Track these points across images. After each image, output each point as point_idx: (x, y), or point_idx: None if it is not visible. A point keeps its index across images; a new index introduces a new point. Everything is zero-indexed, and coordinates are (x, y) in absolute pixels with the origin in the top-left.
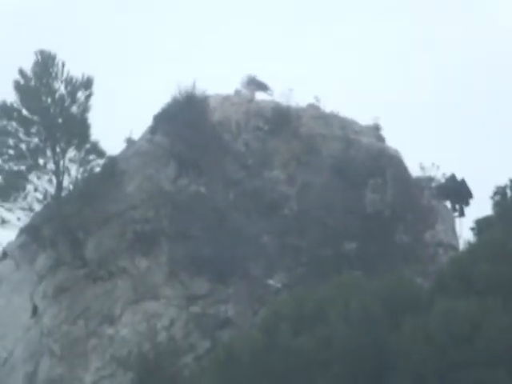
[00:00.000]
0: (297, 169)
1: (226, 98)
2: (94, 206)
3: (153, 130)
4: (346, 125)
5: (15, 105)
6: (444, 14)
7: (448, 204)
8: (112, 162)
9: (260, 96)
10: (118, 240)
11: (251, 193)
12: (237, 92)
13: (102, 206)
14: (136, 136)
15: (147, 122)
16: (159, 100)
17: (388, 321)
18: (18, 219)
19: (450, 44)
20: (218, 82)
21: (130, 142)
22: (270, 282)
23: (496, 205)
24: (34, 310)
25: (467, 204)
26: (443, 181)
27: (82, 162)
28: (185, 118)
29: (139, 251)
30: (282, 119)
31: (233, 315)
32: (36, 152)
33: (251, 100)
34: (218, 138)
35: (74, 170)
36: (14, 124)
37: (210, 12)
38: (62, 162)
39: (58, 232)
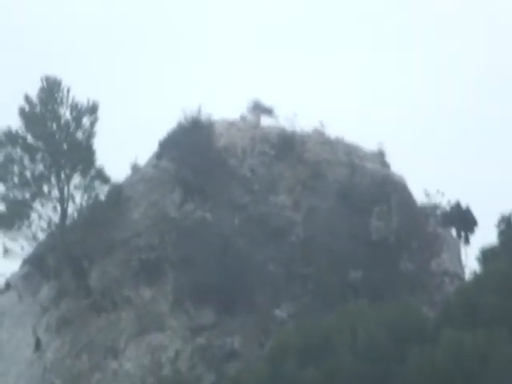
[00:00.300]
0: (302, 194)
1: (232, 124)
2: (99, 233)
3: (158, 156)
4: (350, 150)
5: (20, 131)
6: (443, 40)
7: (453, 231)
8: (117, 189)
9: (265, 121)
10: (123, 268)
11: (257, 218)
12: (242, 117)
13: (106, 233)
14: (141, 162)
15: (153, 147)
16: (165, 125)
17: (394, 351)
18: (22, 248)
19: (451, 70)
20: (224, 107)
21: (135, 168)
22: (277, 312)
23: (501, 234)
24: (37, 344)
25: (472, 231)
26: (448, 208)
27: (87, 189)
28: (190, 144)
29: (144, 280)
30: (287, 144)
31: (239, 347)
32: (40, 179)
33: (257, 125)
34: (224, 164)
35: (78, 196)
36: (18, 151)
37: (215, 38)
38: (66, 189)
39: (61, 261)
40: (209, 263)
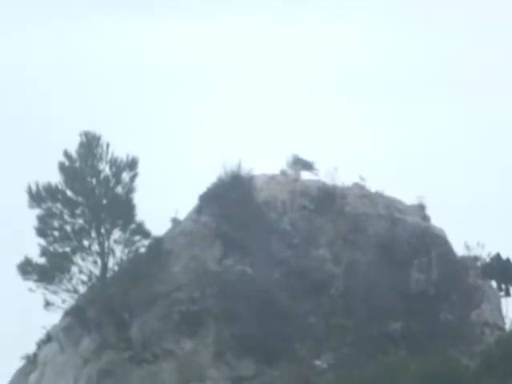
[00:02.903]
0: (343, 247)
1: (272, 178)
2: (140, 286)
3: (198, 210)
4: (390, 204)
5: (60, 186)
6: (487, 90)
7: (493, 284)
8: (157, 243)
9: (305, 176)
10: (164, 321)
11: (297, 272)
12: (282, 172)
13: (147, 286)
14: (181, 216)
15: (193, 201)
16: (205, 179)
17: None
18: (63, 301)
19: (495, 121)
20: (264, 162)
21: (175, 221)
22: (317, 362)
23: None
24: None
25: None
26: (488, 260)
27: (127, 243)
28: (230, 198)
29: (185, 332)
30: (327, 198)
31: None
32: (81, 233)
33: (297, 179)
34: (264, 218)
35: (118, 251)
36: (58, 205)
37: (256, 92)
38: (106, 243)
39: (102, 314)
40: (249, 316)
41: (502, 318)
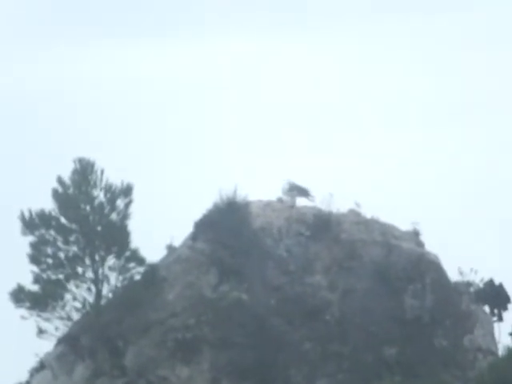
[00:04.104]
0: (338, 274)
1: (268, 204)
2: (134, 314)
3: (194, 237)
4: (386, 230)
5: (53, 213)
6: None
7: (486, 309)
8: (152, 270)
9: (301, 202)
10: (159, 348)
11: (293, 299)
12: (278, 198)
13: (142, 314)
14: (177, 243)
15: (188, 228)
16: (200, 206)
17: None
18: (56, 329)
19: (483, 150)
20: (259, 188)
21: (170, 248)
22: None
23: None
24: None
25: (505, 309)
26: (481, 285)
27: (122, 270)
28: (226, 225)
29: (180, 359)
30: (323, 225)
31: None
32: (74, 260)
33: (292, 206)
34: (260, 244)
35: (113, 278)
36: (52, 232)
37: (251, 119)
38: (101, 271)
39: (96, 341)
40: (245, 342)
41: (495, 344)
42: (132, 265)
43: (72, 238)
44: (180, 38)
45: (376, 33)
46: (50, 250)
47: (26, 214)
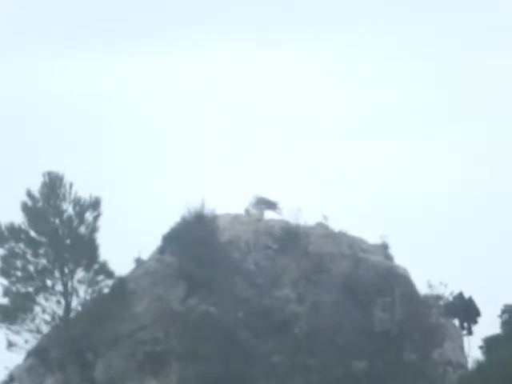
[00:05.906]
0: (306, 287)
1: (235, 218)
2: (103, 327)
3: (162, 250)
4: (354, 243)
5: (23, 226)
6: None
7: (456, 322)
8: (121, 283)
9: (269, 215)
10: (128, 361)
11: (261, 312)
12: (246, 212)
13: (111, 326)
14: (145, 256)
15: (156, 241)
16: (168, 220)
17: None
18: (26, 342)
19: (454, 165)
20: (227, 202)
21: (139, 261)
22: None
23: (504, 323)
24: None
25: (475, 322)
26: (451, 299)
27: (91, 283)
28: (194, 238)
29: (149, 372)
30: (291, 238)
31: None
32: (44, 273)
33: (260, 219)
34: (228, 257)
35: (82, 290)
36: (21, 245)
37: (219, 133)
38: (70, 283)
39: (66, 354)
40: (213, 355)
41: (465, 357)
42: (101, 278)
43: (41, 251)
44: (145, 51)
45: (353, 44)
46: (19, 263)
47: None
